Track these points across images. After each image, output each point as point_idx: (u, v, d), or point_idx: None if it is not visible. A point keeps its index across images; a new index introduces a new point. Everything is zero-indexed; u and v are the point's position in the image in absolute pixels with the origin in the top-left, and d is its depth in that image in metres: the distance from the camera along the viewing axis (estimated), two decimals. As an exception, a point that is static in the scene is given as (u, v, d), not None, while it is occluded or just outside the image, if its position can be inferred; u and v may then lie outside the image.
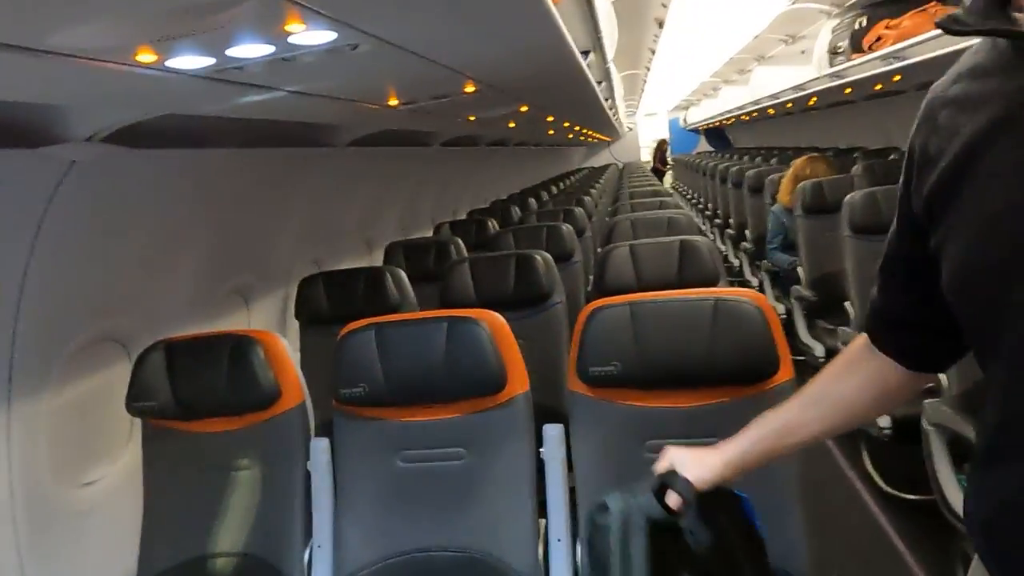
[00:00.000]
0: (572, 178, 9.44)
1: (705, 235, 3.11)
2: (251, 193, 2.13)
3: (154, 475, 1.68)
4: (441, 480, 1.55)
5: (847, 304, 3.04)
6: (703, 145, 13.83)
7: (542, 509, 1.53)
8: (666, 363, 1.41)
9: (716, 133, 13.36)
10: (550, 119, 3.36)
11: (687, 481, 0.95)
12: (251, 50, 0.87)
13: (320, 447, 1.60)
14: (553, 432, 1.53)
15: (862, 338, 0.86)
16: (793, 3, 3.72)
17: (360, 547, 1.55)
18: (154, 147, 1.47)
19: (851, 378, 0.87)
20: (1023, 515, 0.58)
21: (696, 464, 0.97)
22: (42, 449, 1.58)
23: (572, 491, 1.52)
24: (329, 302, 2.43)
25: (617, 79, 3.97)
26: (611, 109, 5.08)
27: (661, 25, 3.59)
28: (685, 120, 13.52)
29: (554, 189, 7.29)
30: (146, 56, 0.82)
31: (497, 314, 1.56)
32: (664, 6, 3.13)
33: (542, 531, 1.52)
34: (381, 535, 1.55)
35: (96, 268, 1.57)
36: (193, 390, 1.62)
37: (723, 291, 1.45)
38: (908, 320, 0.79)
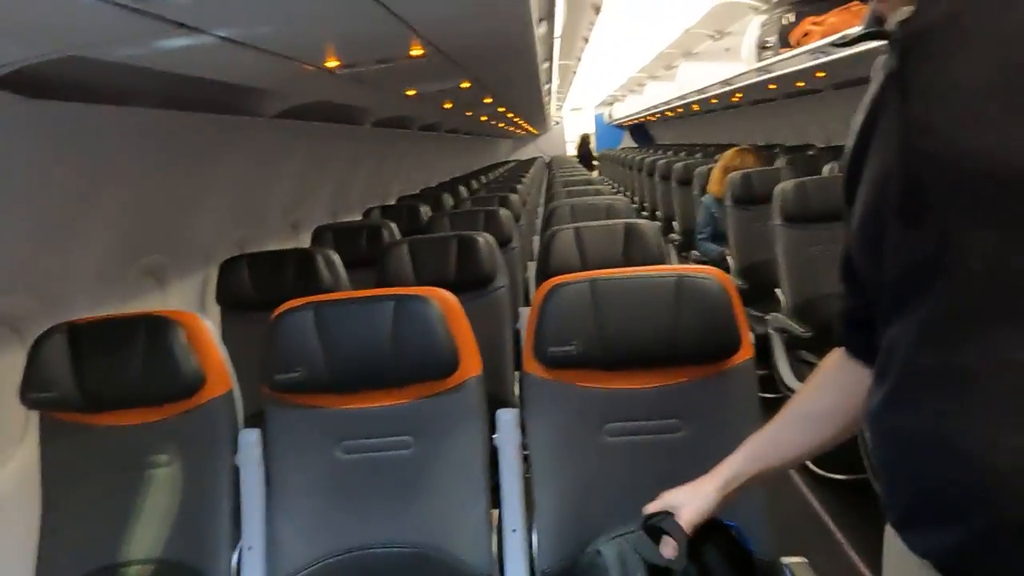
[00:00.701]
0: (500, 169, 9.39)
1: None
2: (168, 162, 1.93)
3: (54, 476, 1.48)
4: (386, 471, 1.44)
5: (777, 291, 3.10)
6: (627, 141, 14.09)
7: (494, 500, 1.45)
8: (627, 342, 1.36)
9: (640, 130, 13.64)
10: (488, 100, 3.27)
11: (676, 524, 0.94)
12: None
13: (250, 439, 1.45)
14: (507, 417, 1.45)
15: (836, 352, 0.89)
16: (725, -4, 3.78)
17: (296, 547, 1.42)
18: (55, 98, 1.28)
19: (829, 392, 0.90)
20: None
21: (692, 496, 0.97)
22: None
23: (526, 481, 1.45)
24: (255, 285, 2.26)
25: (556, 62, 3.92)
26: (547, 96, 5.05)
27: (598, 11, 3.56)
28: (610, 116, 13.72)
29: (483, 179, 7.21)
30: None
31: (448, 292, 1.45)
32: (602, -11, 3.09)
33: (495, 522, 1.44)
34: (320, 533, 1.43)
35: (-16, 237, 1.36)
36: (101, 378, 1.43)
37: (686, 268, 1.41)
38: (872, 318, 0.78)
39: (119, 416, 1.47)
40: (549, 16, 1.84)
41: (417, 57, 1.59)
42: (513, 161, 12.52)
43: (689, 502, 0.97)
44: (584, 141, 13.78)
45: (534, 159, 12.13)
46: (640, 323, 1.35)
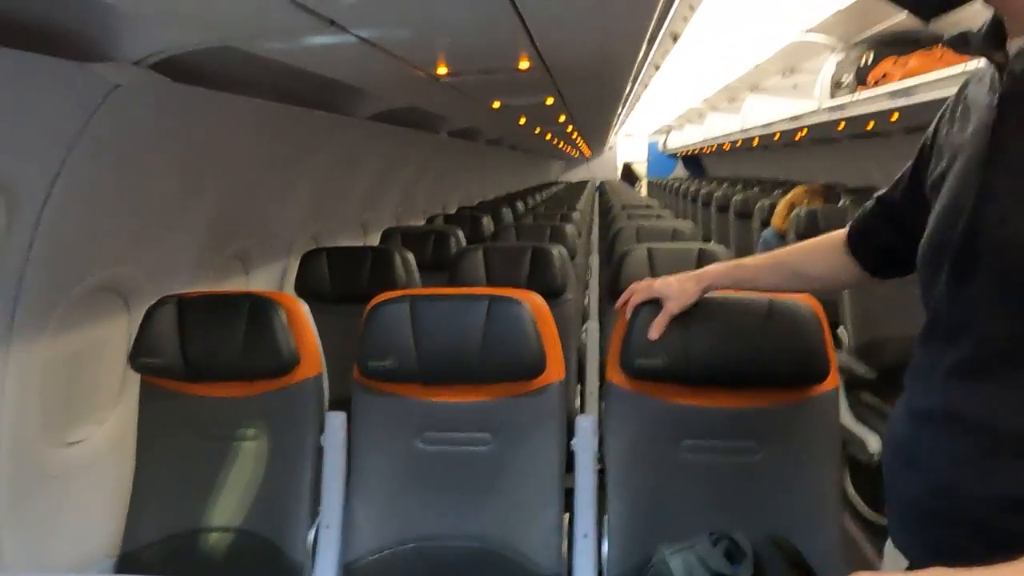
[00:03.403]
0: (553, 188, 9.46)
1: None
2: (269, 152, 2.02)
3: (149, 439, 1.56)
4: (463, 466, 1.48)
5: (840, 330, 3.06)
6: (679, 170, 14.05)
7: (565, 504, 1.47)
8: (714, 361, 1.37)
9: (694, 160, 13.59)
10: (561, 119, 3.32)
11: (744, 538, 1.10)
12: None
13: (337, 422, 1.51)
14: (586, 424, 1.48)
15: (840, 233, 1.08)
16: (806, 32, 3.78)
17: (370, 530, 1.46)
18: (194, 81, 1.37)
19: (821, 261, 1.10)
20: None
21: (678, 292, 1.26)
22: (32, 402, 1.44)
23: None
24: (332, 279, 2.34)
25: (636, 87, 3.97)
26: (616, 119, 5.09)
27: (675, 40, 3.60)
28: (665, 144, 13.71)
29: (538, 197, 7.28)
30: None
31: (539, 296, 1.49)
32: (685, 20, 3.14)
33: (565, 526, 1.46)
34: (394, 519, 1.47)
35: (114, 208, 1.45)
36: (204, 350, 1.51)
37: (776, 294, 1.42)
38: (880, 240, 0.99)
39: (215, 388, 1.54)
40: (651, 40, 1.89)
41: (521, 71, 1.65)
42: (564, 182, 12.59)
43: (676, 296, 1.25)
44: (627, 167, 14.89)
45: (585, 181, 12.19)
46: (728, 343, 1.36)
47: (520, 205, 5.60)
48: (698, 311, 1.40)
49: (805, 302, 1.39)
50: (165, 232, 1.72)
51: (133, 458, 1.54)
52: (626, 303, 1.35)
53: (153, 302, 1.54)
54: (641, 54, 1.82)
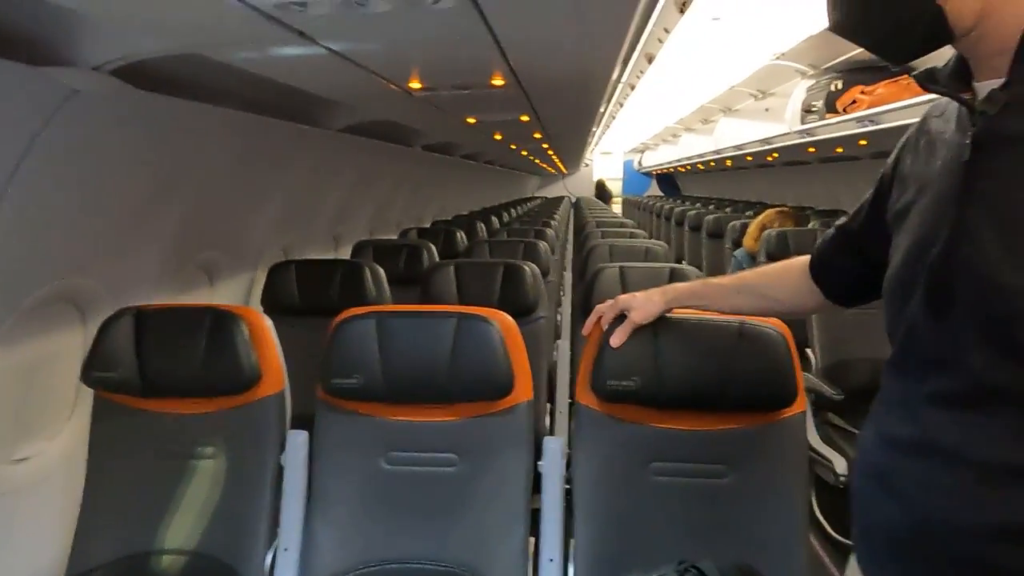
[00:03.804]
0: (528, 204, 9.48)
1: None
2: (238, 163, 1.98)
3: (102, 456, 1.50)
4: (428, 487, 1.45)
5: (808, 351, 3.10)
6: (654, 189, 14.20)
7: (531, 527, 1.45)
8: (684, 383, 1.36)
9: (668, 179, 13.75)
10: (537, 135, 3.33)
11: (712, 568, 1.11)
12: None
13: (298, 440, 1.47)
14: (554, 446, 1.46)
15: (804, 259, 1.09)
16: (775, 58, 3.86)
17: (331, 553, 1.42)
18: (159, 89, 1.34)
19: (786, 286, 1.12)
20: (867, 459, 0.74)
21: (643, 303, 1.27)
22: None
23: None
24: (301, 292, 2.30)
25: (610, 106, 4.01)
26: (591, 137, 5.12)
27: (650, 61, 3.64)
28: (640, 163, 13.86)
29: (513, 212, 7.28)
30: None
31: (508, 316, 1.48)
32: (660, 41, 3.17)
33: (531, 549, 1.43)
34: (356, 541, 1.43)
35: (71, 217, 1.41)
36: (162, 365, 1.46)
37: (746, 317, 1.42)
38: (842, 269, 1.00)
39: (172, 404, 1.49)
40: (625, 62, 1.90)
41: (495, 87, 1.65)
42: (540, 198, 12.64)
43: (640, 307, 1.27)
44: (600, 184, 14.95)
45: (561, 197, 12.25)
46: (698, 366, 1.36)
47: (495, 220, 5.60)
48: (669, 334, 1.39)
49: (774, 326, 1.39)
50: (126, 242, 1.67)
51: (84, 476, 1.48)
52: (594, 326, 1.34)
53: (111, 314, 1.49)
54: (615, 75, 1.83)
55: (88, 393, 1.56)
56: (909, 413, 0.65)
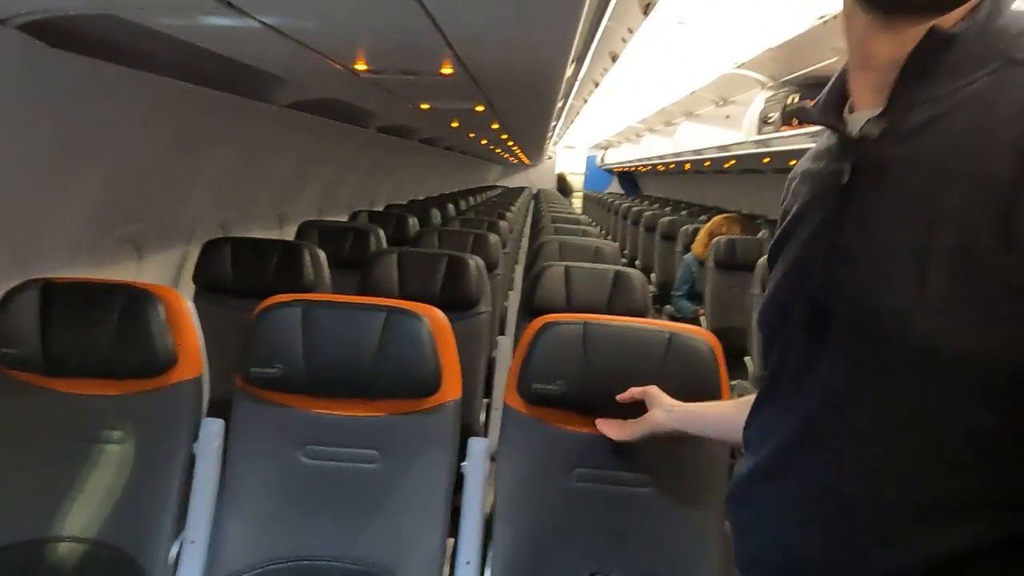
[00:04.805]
0: (488, 193, 9.42)
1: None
2: (169, 132, 1.88)
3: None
4: (346, 483, 1.40)
5: (747, 359, 3.15)
6: (615, 186, 14.31)
7: (451, 528, 1.42)
8: (611, 391, 1.35)
9: (629, 178, 13.87)
10: (495, 126, 3.28)
11: None
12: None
13: (212, 428, 1.41)
14: (479, 447, 1.43)
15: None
16: (736, 67, 3.89)
17: (240, 547, 1.37)
18: (76, 50, 1.25)
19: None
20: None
21: (654, 417, 1.24)
22: None
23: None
24: (235, 271, 2.21)
25: (569, 102, 3.98)
26: (551, 132, 5.10)
27: (614, 60, 3.63)
28: (603, 159, 13.94)
29: (472, 200, 7.22)
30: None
31: (440, 313, 1.44)
32: (624, 41, 3.16)
33: (449, 551, 1.41)
34: (267, 536, 1.38)
35: (-28, 179, 1.31)
36: (69, 342, 1.38)
37: (677, 326, 1.42)
38: None
39: (79, 384, 1.41)
40: (580, 60, 1.87)
41: (445, 75, 1.60)
42: (501, 187, 12.58)
43: (650, 419, 1.24)
44: (561, 178, 14.97)
45: (522, 188, 12.22)
46: (626, 373, 1.35)
47: (452, 207, 5.53)
48: (598, 338, 1.38)
49: (703, 337, 1.39)
50: (39, 209, 1.57)
51: (-23, 456, 1.39)
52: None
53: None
54: (570, 72, 1.80)
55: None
56: (773, 443, 0.65)
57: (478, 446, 1.43)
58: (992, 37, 0.55)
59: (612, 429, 1.30)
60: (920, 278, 0.52)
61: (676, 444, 1.38)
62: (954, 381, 0.51)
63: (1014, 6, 0.58)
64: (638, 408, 1.29)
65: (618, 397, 1.28)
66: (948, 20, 0.56)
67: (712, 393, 1.36)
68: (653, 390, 1.25)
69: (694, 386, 1.35)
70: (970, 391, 0.51)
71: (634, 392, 1.27)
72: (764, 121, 4.19)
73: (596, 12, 1.45)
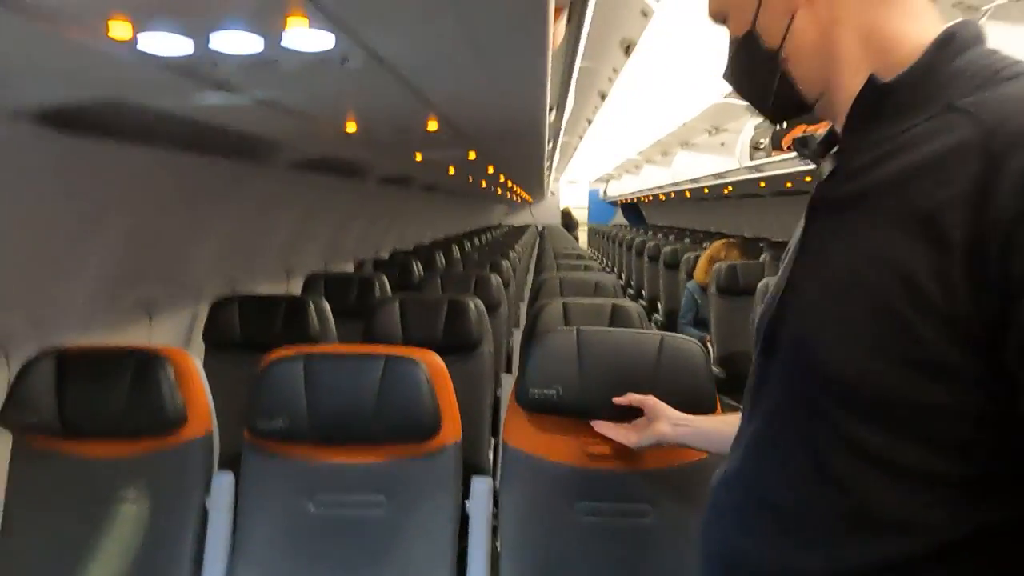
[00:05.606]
0: (493, 233, 9.54)
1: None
2: (174, 199, 1.98)
3: (18, 501, 1.46)
4: (355, 530, 1.44)
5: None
6: (619, 217, 14.42)
7: (459, 567, 1.45)
8: (607, 393, 1.35)
9: (633, 208, 13.98)
10: (491, 170, 3.38)
11: None
12: (237, 41, 0.80)
13: (224, 482, 1.45)
14: (481, 486, 1.46)
15: None
16: (725, 97, 3.99)
17: (254, 599, 1.40)
18: (82, 134, 1.34)
19: None
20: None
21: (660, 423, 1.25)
22: None
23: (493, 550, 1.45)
24: (243, 327, 2.28)
25: (560, 141, 4.08)
26: (547, 170, 5.20)
27: (603, 98, 3.74)
28: (605, 192, 14.08)
29: (477, 241, 7.32)
30: (120, 29, 0.74)
31: (437, 356, 1.49)
32: (610, 80, 3.27)
33: (458, 592, 1.43)
34: (281, 586, 1.41)
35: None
36: (84, 407, 1.44)
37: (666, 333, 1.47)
38: None
39: (94, 447, 1.46)
40: (560, 104, 1.95)
41: (432, 132, 1.68)
42: (507, 226, 12.73)
43: (654, 430, 1.25)
44: (566, 213, 15.03)
45: (527, 226, 12.35)
46: (621, 376, 1.34)
47: (456, 249, 5.63)
48: (593, 347, 1.40)
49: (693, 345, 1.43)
50: (51, 279, 1.65)
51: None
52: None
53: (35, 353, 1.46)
54: (552, 117, 1.88)
55: (7, 438, 1.53)
56: (736, 451, 0.70)
57: (480, 486, 1.46)
58: (935, 84, 0.57)
59: (613, 431, 1.31)
60: (839, 311, 0.57)
61: (676, 473, 1.41)
62: (861, 411, 0.55)
63: (996, 36, 0.60)
64: (635, 413, 1.32)
65: (616, 400, 1.31)
66: (891, 71, 0.59)
67: (703, 391, 1.38)
68: (653, 400, 1.27)
69: (687, 390, 1.37)
70: (876, 422, 0.54)
71: (632, 398, 1.30)
72: (755, 147, 4.28)
73: (566, 60, 1.52)
